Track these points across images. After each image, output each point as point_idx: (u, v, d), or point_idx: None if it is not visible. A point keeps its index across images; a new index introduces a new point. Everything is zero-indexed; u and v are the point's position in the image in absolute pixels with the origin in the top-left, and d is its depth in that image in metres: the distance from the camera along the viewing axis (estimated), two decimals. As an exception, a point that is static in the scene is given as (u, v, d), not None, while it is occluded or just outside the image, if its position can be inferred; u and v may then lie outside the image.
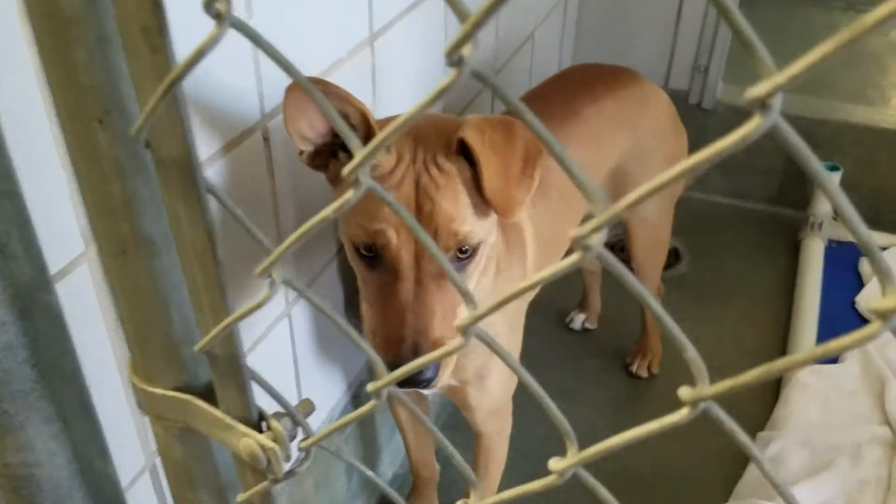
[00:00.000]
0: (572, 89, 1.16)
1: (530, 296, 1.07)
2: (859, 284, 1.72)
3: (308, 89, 0.31)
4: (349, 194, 0.31)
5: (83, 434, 0.55)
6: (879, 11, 0.20)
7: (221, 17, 0.29)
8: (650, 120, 1.23)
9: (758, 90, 0.23)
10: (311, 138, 0.80)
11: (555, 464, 0.35)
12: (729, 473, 1.35)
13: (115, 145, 0.36)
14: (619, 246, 1.92)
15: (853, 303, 1.67)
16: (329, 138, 0.81)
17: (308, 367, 1.11)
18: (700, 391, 0.30)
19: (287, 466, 0.43)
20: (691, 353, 0.32)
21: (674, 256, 1.82)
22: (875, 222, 1.89)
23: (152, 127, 0.34)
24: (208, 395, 0.45)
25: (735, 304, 1.74)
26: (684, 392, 0.31)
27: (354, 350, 1.24)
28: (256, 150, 0.86)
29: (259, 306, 0.37)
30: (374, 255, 0.78)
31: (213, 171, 0.79)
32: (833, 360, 1.52)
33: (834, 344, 0.25)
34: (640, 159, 1.21)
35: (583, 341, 1.67)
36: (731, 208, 2.00)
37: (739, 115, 2.00)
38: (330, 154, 0.83)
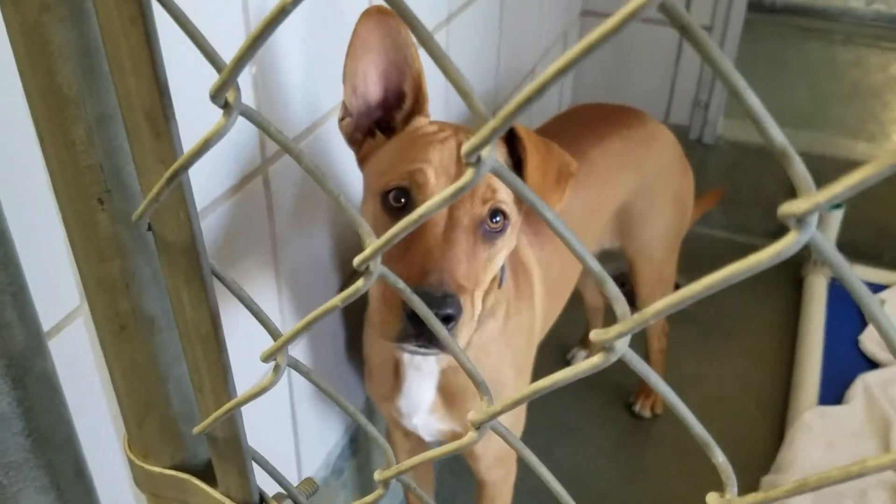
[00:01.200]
0: (578, 129, 1.16)
1: (539, 338, 1.05)
2: (862, 323, 1.70)
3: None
4: (360, 283, 0.30)
5: (78, 501, 0.53)
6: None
7: (230, 107, 0.28)
8: (656, 159, 1.22)
9: (796, 207, 0.22)
10: (360, 94, 0.79)
11: (715, 500, 0.33)
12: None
13: (115, 225, 0.35)
14: (621, 280, 1.91)
15: (857, 342, 1.65)
16: (373, 112, 0.81)
17: (305, 410, 1.09)
18: (728, 502, 0.29)
19: (289, 551, 0.41)
20: (720, 458, 0.30)
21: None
22: (877, 259, 1.88)
23: (155, 211, 0.32)
24: (207, 473, 0.44)
25: (738, 340, 1.73)
26: (713, 500, 0.29)
27: (353, 390, 1.22)
28: (257, 194, 0.85)
29: (263, 391, 0.35)
30: (405, 203, 0.75)
31: (214, 216, 0.78)
32: (837, 400, 1.50)
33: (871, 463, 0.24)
34: (646, 198, 1.21)
35: (585, 378, 1.64)
36: (733, 243, 1.99)
37: (740, 150, 2.00)
38: (367, 133, 0.82)
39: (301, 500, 0.41)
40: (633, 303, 1.44)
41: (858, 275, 1.45)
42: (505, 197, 0.76)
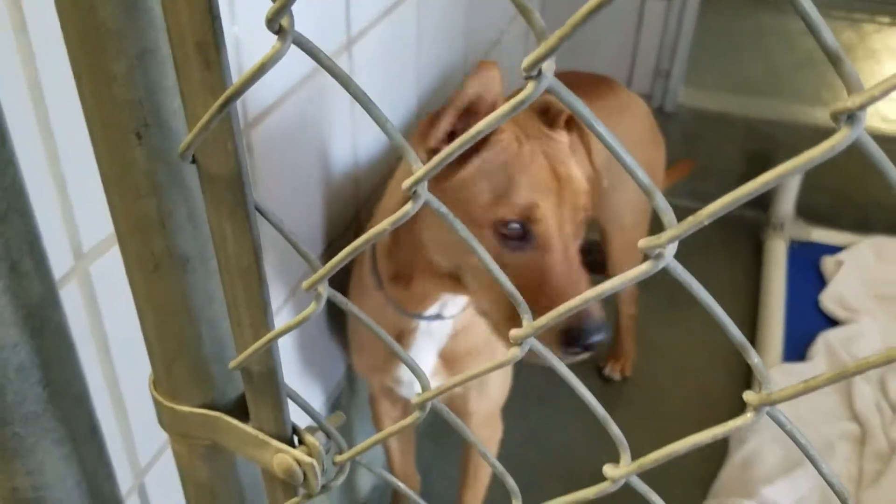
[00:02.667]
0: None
1: None
2: (821, 283, 1.77)
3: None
4: (408, 206, 0.31)
5: (92, 456, 0.53)
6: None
7: (285, 32, 0.29)
8: (629, 129, 1.25)
9: (851, 102, 0.23)
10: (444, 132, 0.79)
11: (611, 471, 0.35)
12: (705, 472, 1.37)
13: (152, 160, 0.36)
14: (589, 248, 1.94)
15: (817, 302, 1.72)
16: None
17: (288, 379, 1.09)
18: (766, 397, 0.31)
19: (322, 481, 0.42)
20: (755, 359, 0.32)
21: (643, 259, 1.84)
22: (835, 223, 1.94)
23: (201, 143, 0.33)
24: (237, 410, 0.45)
25: (701, 305, 1.78)
26: (751, 397, 0.31)
27: (333, 362, 1.23)
28: (243, 159, 0.85)
29: (305, 319, 0.36)
30: (521, 233, 0.76)
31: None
32: (800, 358, 1.56)
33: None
34: (619, 168, 1.23)
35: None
36: (695, 211, 2.03)
37: (701, 118, 2.04)
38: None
39: (332, 431, 0.42)
40: (603, 270, 1.48)
41: (817, 238, 1.51)
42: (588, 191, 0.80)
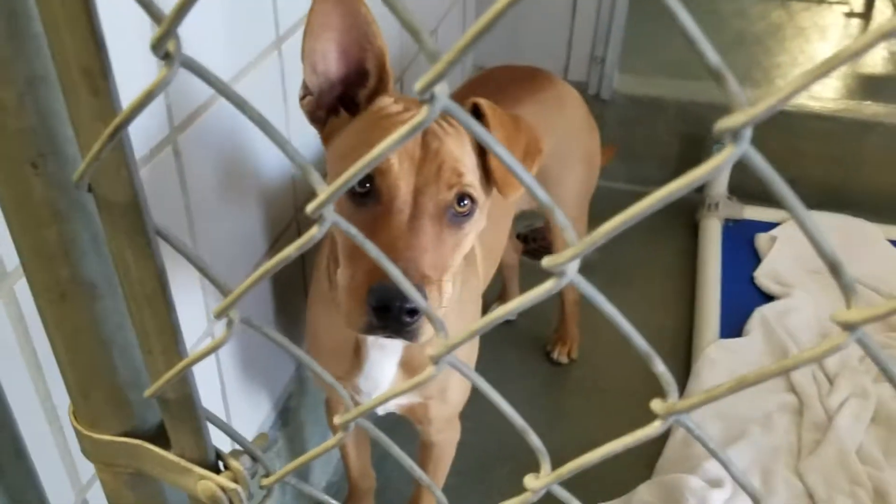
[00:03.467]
0: (493, 94, 1.16)
1: (485, 283, 1.09)
2: (756, 260, 1.81)
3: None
4: (314, 230, 0.31)
5: (19, 481, 0.52)
6: (857, 44, 0.22)
7: (171, 57, 0.28)
8: (567, 120, 1.25)
9: (732, 121, 0.24)
10: (320, 73, 0.77)
11: (531, 482, 0.35)
12: (649, 449, 1.40)
13: (50, 189, 0.34)
14: (532, 237, 1.95)
15: (752, 278, 1.76)
16: (336, 88, 0.79)
17: (233, 386, 1.08)
18: (671, 406, 0.31)
19: (250, 505, 0.41)
20: (660, 368, 0.33)
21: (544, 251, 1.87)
22: (765, 199, 1.99)
23: (95, 171, 0.32)
24: (158, 437, 0.44)
25: (641, 286, 1.81)
26: (657, 406, 0.32)
27: (280, 365, 1.21)
28: (167, 165, 0.83)
29: (217, 347, 0.36)
30: (368, 189, 0.73)
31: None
32: (737, 333, 1.60)
33: (806, 355, 0.27)
34: (559, 160, 1.23)
35: (503, 333, 1.70)
36: (631, 193, 2.03)
37: (636, 104, 2.07)
38: (331, 110, 0.81)
39: (257, 454, 0.42)
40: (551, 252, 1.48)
41: (750, 215, 1.53)
42: (472, 180, 0.75)
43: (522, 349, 1.66)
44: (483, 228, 1.03)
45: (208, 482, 0.41)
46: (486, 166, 0.77)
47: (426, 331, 0.71)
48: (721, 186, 1.94)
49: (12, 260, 0.64)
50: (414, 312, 0.68)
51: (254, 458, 0.42)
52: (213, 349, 0.36)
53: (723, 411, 1.41)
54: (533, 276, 1.71)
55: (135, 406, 0.42)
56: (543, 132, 1.19)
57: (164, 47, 0.27)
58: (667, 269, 1.86)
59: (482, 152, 0.77)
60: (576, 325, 1.62)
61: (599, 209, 1.93)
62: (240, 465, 0.41)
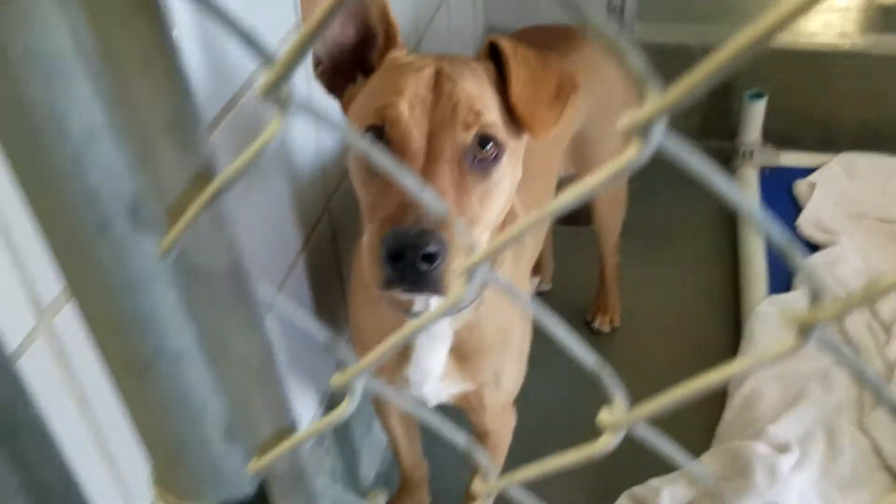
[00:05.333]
0: None
1: (531, 261, 1.03)
2: (796, 208, 1.75)
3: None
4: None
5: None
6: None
7: (286, 105, 0.22)
8: (606, 79, 1.18)
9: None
10: (327, 38, 0.73)
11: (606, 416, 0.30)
12: (708, 417, 1.36)
13: (123, 256, 0.29)
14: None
15: (794, 227, 1.70)
16: (347, 54, 0.75)
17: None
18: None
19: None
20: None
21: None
22: (800, 144, 1.92)
23: (187, 238, 0.26)
24: (259, 502, 0.39)
25: (681, 243, 1.75)
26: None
27: (325, 361, 1.17)
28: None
29: (337, 421, 0.30)
30: (382, 139, 0.69)
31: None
32: (787, 288, 1.54)
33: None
34: (598, 121, 1.17)
35: (539, 304, 1.64)
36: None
37: (659, 51, 1.98)
38: (348, 78, 0.76)
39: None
40: (587, 222, 1.43)
41: (786, 162, 1.45)
42: (493, 119, 0.69)
43: (562, 319, 1.61)
44: (527, 191, 0.97)
45: (323, 559, 0.36)
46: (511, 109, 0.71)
47: (452, 282, 0.64)
48: (755, 133, 1.86)
49: (50, 292, 0.59)
50: (432, 258, 0.62)
51: None
52: (331, 423, 0.30)
53: (780, 372, 1.36)
54: (574, 244, 1.64)
55: (231, 474, 0.37)
56: (582, 94, 1.12)
57: (278, 94, 0.22)
58: (705, 225, 1.80)
59: (507, 94, 0.72)
60: (617, 291, 1.56)
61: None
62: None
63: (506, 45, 0.70)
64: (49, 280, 0.59)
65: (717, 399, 1.38)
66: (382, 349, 0.28)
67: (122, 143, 0.26)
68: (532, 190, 1.00)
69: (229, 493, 0.38)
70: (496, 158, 0.70)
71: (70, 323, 0.61)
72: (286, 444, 0.32)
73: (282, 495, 0.35)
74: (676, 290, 1.65)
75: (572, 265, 1.68)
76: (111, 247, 0.28)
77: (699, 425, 1.36)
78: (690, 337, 1.54)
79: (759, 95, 1.83)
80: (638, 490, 1.23)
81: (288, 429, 0.32)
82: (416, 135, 0.68)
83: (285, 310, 0.29)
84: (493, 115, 0.70)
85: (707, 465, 1.26)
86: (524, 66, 0.71)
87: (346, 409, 0.30)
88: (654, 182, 1.83)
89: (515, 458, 1.15)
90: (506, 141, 0.71)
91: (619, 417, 0.28)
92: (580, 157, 1.20)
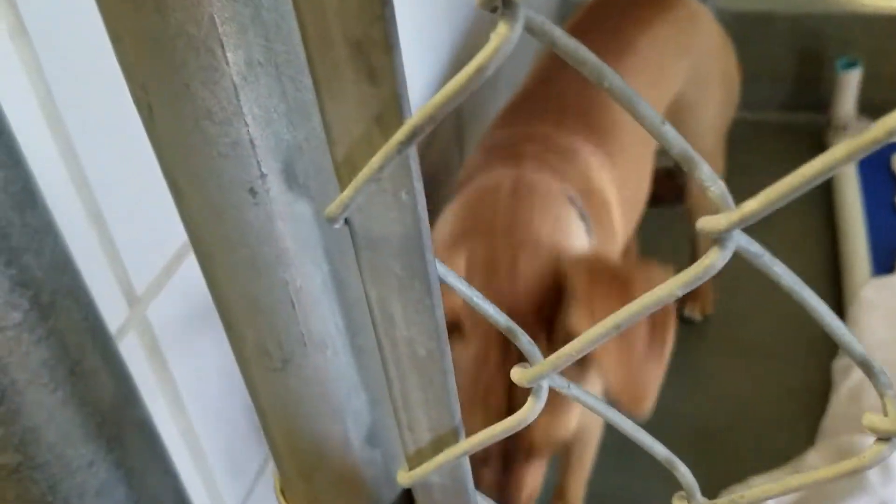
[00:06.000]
0: (617, 18, 1.02)
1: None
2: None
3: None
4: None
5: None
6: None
7: (512, 7, 0.16)
8: (703, 40, 1.10)
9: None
10: None
11: None
12: (811, 410, 1.27)
13: (274, 222, 0.24)
14: (671, 174, 1.79)
15: (894, 204, 1.59)
16: None
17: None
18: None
19: None
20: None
21: (678, 194, 1.71)
22: (898, 115, 1.79)
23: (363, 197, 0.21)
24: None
25: (774, 225, 1.64)
26: None
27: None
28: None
29: (521, 423, 0.25)
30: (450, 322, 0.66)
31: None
32: (891, 268, 1.44)
33: None
34: (697, 86, 1.09)
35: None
36: (744, 122, 1.88)
37: (745, 20, 1.88)
38: None
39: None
40: (677, 201, 1.35)
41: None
42: (570, 429, 0.68)
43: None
44: (624, 181, 0.90)
45: (483, 581, 0.30)
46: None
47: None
48: (848, 105, 1.75)
49: (143, 281, 0.55)
50: None
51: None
52: (512, 427, 0.25)
53: (888, 359, 1.26)
54: (660, 228, 1.55)
55: (370, 484, 0.32)
56: (677, 56, 1.04)
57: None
58: (800, 204, 1.69)
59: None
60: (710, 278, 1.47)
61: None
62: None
63: (576, 278, 0.62)
64: (142, 269, 0.55)
65: (821, 391, 1.29)
66: (575, 348, 0.22)
67: (274, 78, 0.21)
68: (630, 170, 0.92)
69: None
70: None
71: (164, 315, 0.57)
72: (450, 453, 0.26)
73: (436, 507, 0.30)
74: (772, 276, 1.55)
75: (657, 248, 1.60)
76: (263, 209, 0.23)
77: (802, 419, 1.27)
78: (788, 324, 1.44)
79: (852, 64, 1.72)
80: (738, 489, 1.16)
81: (452, 434, 0.27)
82: (473, 315, 0.63)
83: (462, 291, 0.23)
84: (569, 432, 0.67)
85: (813, 461, 1.18)
86: (599, 305, 0.61)
87: (530, 410, 0.24)
88: (741, 158, 1.73)
89: (605, 453, 1.09)
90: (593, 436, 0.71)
91: None
92: (676, 125, 1.11)
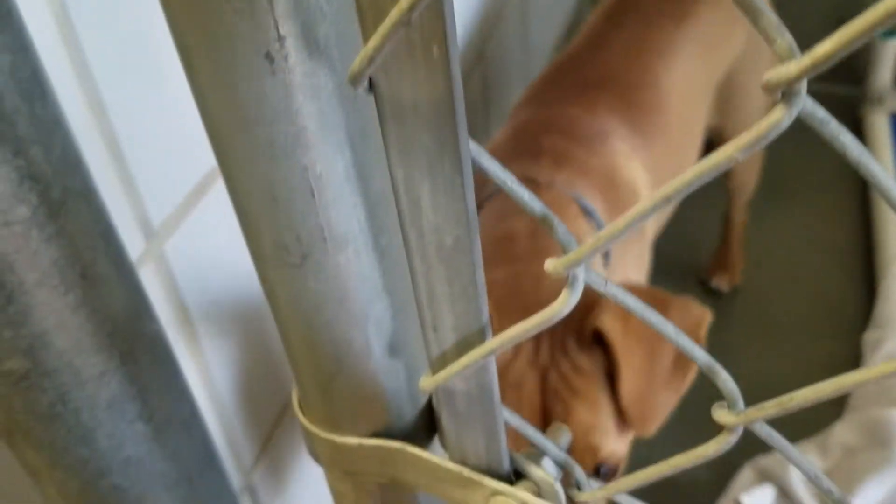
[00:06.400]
0: (655, 4, 0.96)
1: (652, 233, 0.93)
2: (933, 157, 1.59)
3: None
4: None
5: (213, 492, 0.42)
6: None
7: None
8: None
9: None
10: None
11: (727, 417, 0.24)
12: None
13: (293, 97, 0.22)
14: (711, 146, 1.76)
15: (931, 179, 1.54)
16: None
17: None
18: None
19: (563, 529, 0.30)
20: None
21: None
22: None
23: (388, 53, 0.19)
24: (417, 436, 0.32)
25: (805, 197, 1.61)
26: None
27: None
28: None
29: (550, 317, 0.23)
30: None
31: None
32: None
33: None
34: (746, 65, 1.03)
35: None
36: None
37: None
38: None
39: (566, 460, 0.30)
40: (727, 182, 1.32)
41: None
42: (610, 448, 0.62)
43: (675, 276, 1.50)
44: (659, 164, 0.85)
45: (507, 499, 0.29)
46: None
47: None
48: (885, 77, 1.70)
49: (161, 215, 0.54)
50: None
51: (559, 465, 0.30)
52: (541, 323, 0.23)
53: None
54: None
55: (391, 397, 0.31)
56: (735, 21, 0.99)
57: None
58: (832, 175, 1.65)
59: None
60: (740, 249, 1.44)
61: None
62: (548, 475, 0.29)
63: (613, 332, 0.60)
64: (160, 203, 0.54)
65: (850, 363, 1.27)
66: (617, 226, 0.20)
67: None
68: (670, 155, 0.88)
69: (388, 421, 0.31)
70: (613, 475, 0.63)
71: (181, 251, 0.56)
72: (476, 353, 0.25)
73: (456, 422, 0.29)
74: (801, 247, 1.52)
75: (685, 220, 1.56)
76: (281, 79, 0.22)
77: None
78: (818, 297, 1.41)
79: (891, 33, 1.67)
80: (764, 461, 1.14)
81: (478, 334, 0.25)
82: None
83: (496, 172, 0.22)
84: (611, 437, 0.62)
85: (841, 435, 1.15)
86: (637, 349, 0.61)
87: (565, 301, 0.23)
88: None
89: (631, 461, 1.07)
90: (620, 460, 0.63)
91: (739, 417, 0.24)
92: (725, 105, 1.05)
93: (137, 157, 0.50)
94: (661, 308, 0.61)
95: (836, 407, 1.22)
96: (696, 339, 0.62)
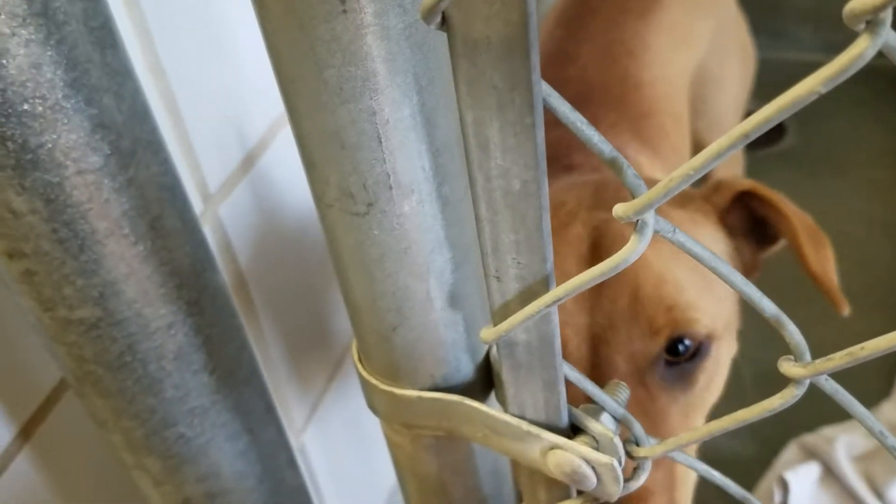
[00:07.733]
0: None
1: None
2: None
3: None
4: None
5: (271, 444, 0.43)
6: None
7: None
8: (721, 8, 0.99)
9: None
10: None
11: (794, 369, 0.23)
12: (886, 360, 1.22)
13: (365, 38, 0.22)
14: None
15: None
16: None
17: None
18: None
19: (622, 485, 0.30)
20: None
21: (776, 130, 1.64)
22: None
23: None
24: (474, 389, 0.33)
25: (854, 171, 1.57)
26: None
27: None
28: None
29: (626, 259, 0.23)
30: None
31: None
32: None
33: None
34: (718, 57, 0.97)
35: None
36: (818, 64, 1.79)
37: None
38: None
39: (626, 415, 0.30)
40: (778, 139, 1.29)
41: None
42: (696, 310, 0.50)
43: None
44: (667, 160, 0.81)
45: (565, 453, 0.29)
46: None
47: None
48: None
49: (217, 179, 0.55)
50: None
51: (618, 421, 0.30)
52: (612, 267, 0.23)
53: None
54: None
55: (450, 348, 0.31)
56: (703, 16, 0.93)
57: None
58: (883, 151, 1.61)
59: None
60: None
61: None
62: (608, 430, 0.29)
63: (789, 211, 0.56)
64: (216, 166, 0.55)
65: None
66: (692, 165, 0.20)
67: None
68: (674, 150, 0.84)
69: (446, 373, 0.32)
70: (699, 355, 0.51)
71: (235, 212, 0.57)
72: (539, 302, 0.25)
73: (516, 375, 0.29)
74: (850, 225, 1.48)
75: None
76: (353, 18, 0.22)
77: (876, 371, 1.22)
78: (868, 276, 1.38)
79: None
80: (809, 438, 1.12)
81: (542, 283, 0.25)
82: (572, 339, 0.50)
83: (566, 114, 0.22)
84: (692, 296, 0.50)
85: (889, 413, 1.13)
86: (807, 235, 0.57)
87: (633, 249, 0.22)
88: (823, 104, 1.65)
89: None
90: (711, 331, 0.52)
91: (807, 369, 0.24)
92: (697, 102, 0.97)
93: (196, 120, 0.51)
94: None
95: (884, 385, 1.20)
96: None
